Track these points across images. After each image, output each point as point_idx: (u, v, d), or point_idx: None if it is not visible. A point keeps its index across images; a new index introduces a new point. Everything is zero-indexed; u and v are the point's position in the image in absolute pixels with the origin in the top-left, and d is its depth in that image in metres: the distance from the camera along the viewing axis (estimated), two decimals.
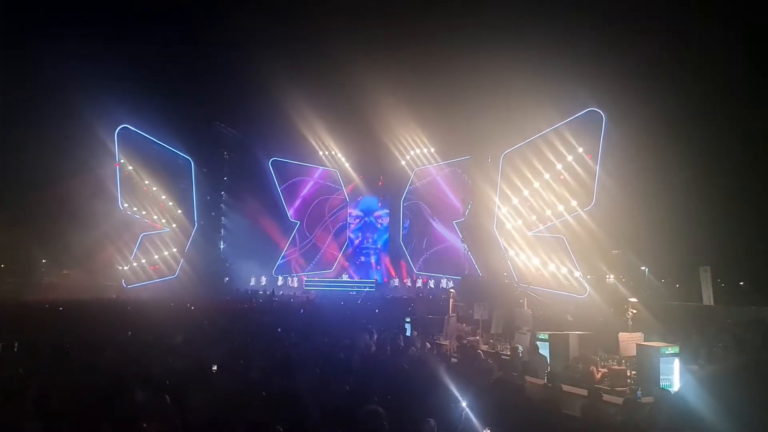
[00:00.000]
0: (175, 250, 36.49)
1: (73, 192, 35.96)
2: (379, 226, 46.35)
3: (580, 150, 28.73)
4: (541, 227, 30.54)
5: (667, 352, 10.19)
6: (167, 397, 6.95)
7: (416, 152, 40.57)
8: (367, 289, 38.54)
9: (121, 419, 5.96)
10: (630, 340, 11.64)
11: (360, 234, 46.51)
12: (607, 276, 30.04)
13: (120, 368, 8.98)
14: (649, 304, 20.30)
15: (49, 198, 37.10)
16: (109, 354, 10.70)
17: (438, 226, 42.21)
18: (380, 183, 45.41)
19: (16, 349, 11.59)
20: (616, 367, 11.37)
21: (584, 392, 9.29)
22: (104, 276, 38.37)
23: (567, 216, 29.09)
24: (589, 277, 28.66)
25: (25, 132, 36.08)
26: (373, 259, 46.07)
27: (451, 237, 39.92)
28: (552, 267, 29.73)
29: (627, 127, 27.31)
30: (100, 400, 7.08)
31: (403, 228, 45.25)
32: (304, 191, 44.95)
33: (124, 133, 33.71)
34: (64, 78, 30.11)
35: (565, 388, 9.74)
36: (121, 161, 33.75)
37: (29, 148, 36.44)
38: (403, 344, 14.47)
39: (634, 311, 12.85)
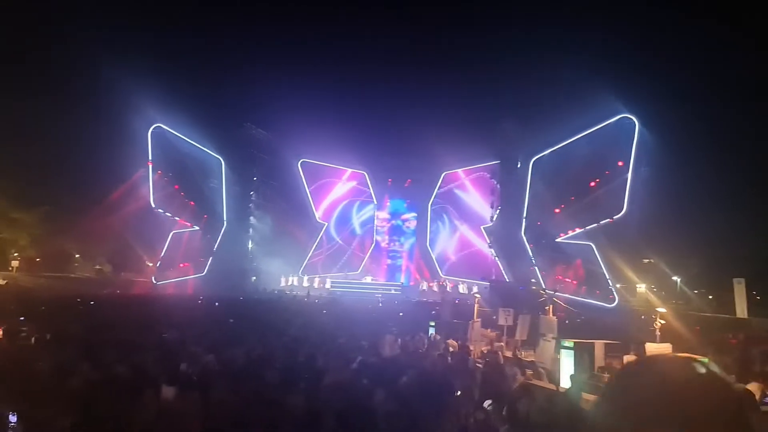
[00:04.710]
0: (204, 248, 36.86)
1: (107, 189, 36.71)
2: (406, 229, 46.29)
3: (612, 156, 28.28)
4: (570, 234, 30.13)
5: None
6: (194, 393, 7.03)
7: (445, 156, 40.34)
8: (393, 291, 38.47)
9: (148, 414, 6.04)
10: (658, 351, 11.41)
11: (387, 237, 46.48)
12: (638, 285, 29.53)
13: (147, 363, 9.10)
14: (681, 315, 19.93)
15: (83, 195, 37.96)
16: (137, 348, 10.84)
17: (465, 231, 42.01)
18: (407, 184, 45.34)
19: (47, 341, 11.85)
20: None
21: None
22: (135, 272, 39.08)
23: (597, 223, 28.65)
24: (618, 285, 28.20)
25: (63, 131, 37.03)
26: (399, 262, 46.01)
27: (478, 242, 39.68)
28: (580, 274, 29.33)
29: (660, 135, 26.84)
30: (127, 394, 7.19)
31: (431, 231, 45.13)
32: (333, 193, 45.10)
33: (158, 133, 34.14)
34: (101, 79, 30.77)
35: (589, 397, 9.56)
36: (154, 160, 34.14)
37: (66, 147, 37.37)
38: (425, 347, 14.42)
39: (663, 321, 12.59)
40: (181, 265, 36.17)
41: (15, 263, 42.33)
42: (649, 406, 1.13)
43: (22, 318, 13.89)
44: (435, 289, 38.65)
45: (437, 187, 44.06)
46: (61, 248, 44.56)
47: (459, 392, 7.91)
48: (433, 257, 44.19)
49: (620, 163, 28.11)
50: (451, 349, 14.28)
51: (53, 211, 40.95)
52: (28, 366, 8.65)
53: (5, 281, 33.70)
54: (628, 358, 12.25)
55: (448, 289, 37.83)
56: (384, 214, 46.58)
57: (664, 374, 1.20)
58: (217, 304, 24.92)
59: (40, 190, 40.05)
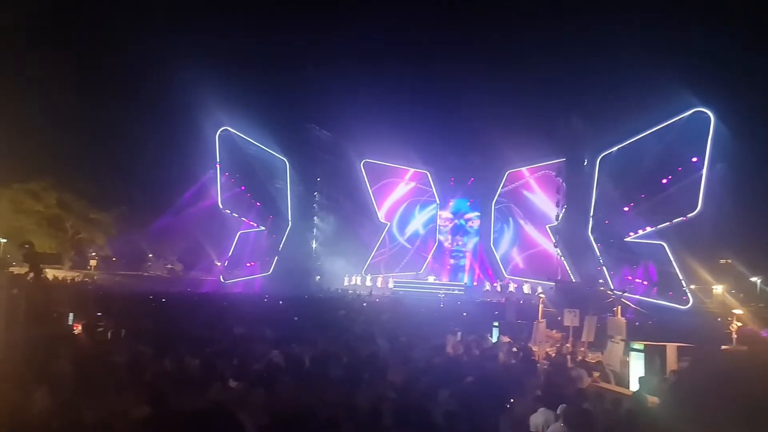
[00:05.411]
0: (270, 247, 37.66)
1: (178, 191, 38.14)
2: (469, 228, 45.94)
3: (685, 152, 27.16)
4: (641, 233, 29.17)
5: None
6: (259, 386, 7.23)
7: (508, 154, 39.71)
8: (456, 291, 38.24)
9: (216, 406, 6.24)
10: None
11: (450, 236, 46.25)
12: (714, 287, 28.34)
13: (215, 357, 9.41)
14: (761, 318, 18.98)
15: (156, 196, 39.64)
16: (205, 343, 11.21)
17: (530, 230, 41.34)
18: (470, 183, 44.96)
19: (123, 336, 12.44)
20: None
21: None
22: (204, 271, 40.44)
23: (669, 222, 27.60)
24: (693, 286, 27.10)
25: (137, 135, 38.79)
26: (462, 262, 45.70)
27: (543, 241, 38.96)
28: (651, 275, 28.35)
29: (738, 129, 25.53)
30: (197, 387, 7.47)
31: (494, 231, 44.60)
32: (395, 193, 45.23)
33: (225, 135, 35.06)
34: (172, 84, 31.90)
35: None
36: (221, 162, 35.07)
37: (139, 150, 39.12)
38: (489, 348, 14.28)
39: (739, 324, 12.02)
40: (248, 264, 37.10)
41: (93, 262, 44.67)
42: (716, 403, 1.09)
43: (99, 314, 14.60)
44: (498, 289, 38.21)
45: (501, 186, 43.51)
46: (135, 248, 46.68)
47: (512, 399, 7.80)
48: (497, 257, 43.68)
49: (694, 160, 27.01)
50: (514, 349, 14.08)
51: (128, 212, 43.00)
52: (105, 359, 9.12)
53: (83, 278, 35.51)
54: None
55: (511, 289, 37.32)
56: (447, 214, 46.36)
57: (728, 370, 1.15)
58: (281, 302, 25.44)
59: (116, 192, 42.16)
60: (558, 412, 7.07)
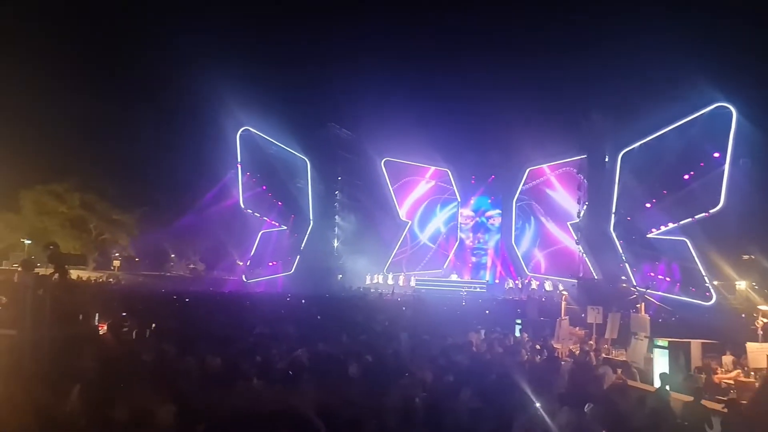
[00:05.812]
0: (291, 247, 37.87)
1: (200, 191, 38.54)
2: (490, 226, 45.81)
3: (707, 148, 26.81)
4: (663, 229, 28.85)
5: None
6: (283, 385, 7.33)
7: (529, 151, 39.50)
8: (478, 289, 38.15)
9: (240, 404, 6.34)
10: (760, 351, 10.80)
11: (471, 234, 46.18)
12: (737, 283, 27.92)
13: (239, 356, 9.53)
14: None
15: (178, 196, 40.11)
16: (229, 343, 11.35)
17: (551, 227, 41.09)
18: (490, 181, 44.80)
19: (147, 336, 12.65)
20: (744, 379, 10.59)
21: (718, 406, 8.58)
22: (226, 271, 40.81)
23: (691, 218, 27.28)
24: (716, 283, 26.75)
25: (159, 135, 39.30)
26: (484, 260, 45.59)
27: (565, 238, 38.70)
28: (674, 271, 28.04)
29: (761, 123, 25.14)
30: (221, 386, 7.59)
31: (516, 228, 44.42)
32: (416, 191, 45.26)
33: (246, 135, 35.37)
34: (193, 85, 32.29)
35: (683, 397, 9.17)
36: (242, 162, 35.35)
37: (161, 150, 39.63)
38: (512, 345, 14.28)
39: (765, 320, 11.89)
40: (270, 263, 37.35)
41: (116, 262, 45.25)
42: None
43: (123, 314, 14.83)
44: (520, 286, 38.05)
45: (522, 183, 43.34)
46: (158, 248, 47.24)
47: (535, 399, 7.82)
48: (519, 254, 43.50)
49: (716, 155, 26.65)
50: (537, 346, 14.08)
51: (150, 212, 43.55)
52: (131, 358, 9.28)
53: (106, 279, 36.02)
54: (726, 359, 11.68)
55: (533, 286, 37.15)
56: (468, 212, 46.27)
57: None
58: (303, 301, 25.58)
59: (139, 192, 42.76)
60: (585, 410, 7.07)
